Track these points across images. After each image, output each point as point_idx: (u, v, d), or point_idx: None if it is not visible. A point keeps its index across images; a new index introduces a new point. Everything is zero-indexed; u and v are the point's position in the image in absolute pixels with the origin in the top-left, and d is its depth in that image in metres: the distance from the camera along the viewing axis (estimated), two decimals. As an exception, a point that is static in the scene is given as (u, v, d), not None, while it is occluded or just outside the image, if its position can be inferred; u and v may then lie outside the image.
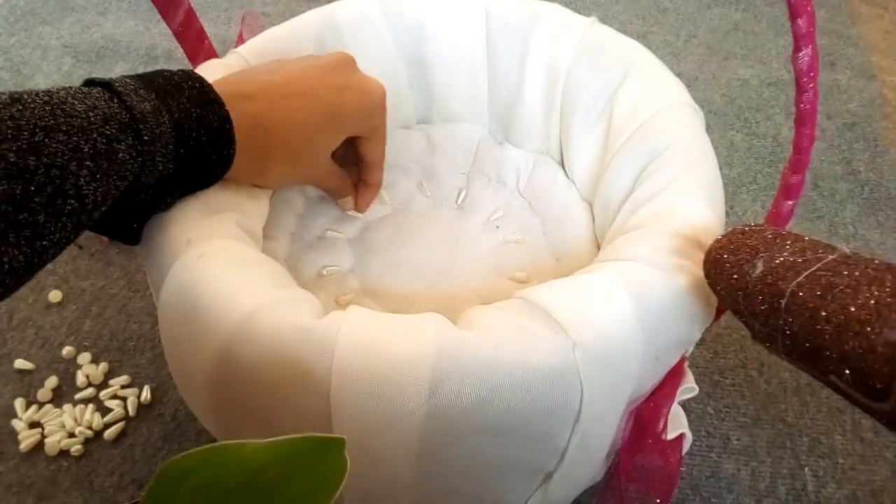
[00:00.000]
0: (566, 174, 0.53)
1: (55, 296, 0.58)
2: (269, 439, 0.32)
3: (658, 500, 0.39)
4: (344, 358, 0.29)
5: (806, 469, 0.49)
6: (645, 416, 0.37)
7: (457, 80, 0.53)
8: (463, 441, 0.31)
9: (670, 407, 0.37)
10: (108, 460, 0.49)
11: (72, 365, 0.54)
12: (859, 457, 0.50)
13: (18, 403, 0.51)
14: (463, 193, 0.52)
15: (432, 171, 0.54)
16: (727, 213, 0.63)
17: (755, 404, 0.53)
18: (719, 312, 0.35)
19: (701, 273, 0.33)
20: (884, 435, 0.51)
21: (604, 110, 0.47)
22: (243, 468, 0.32)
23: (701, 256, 0.33)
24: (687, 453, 0.50)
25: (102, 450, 0.50)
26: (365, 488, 0.33)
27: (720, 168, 0.66)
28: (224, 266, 0.33)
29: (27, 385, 0.53)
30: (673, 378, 0.36)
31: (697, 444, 0.51)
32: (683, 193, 0.38)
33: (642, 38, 0.73)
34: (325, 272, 0.46)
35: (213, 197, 0.37)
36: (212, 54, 0.45)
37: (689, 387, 0.38)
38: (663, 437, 0.37)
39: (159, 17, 0.44)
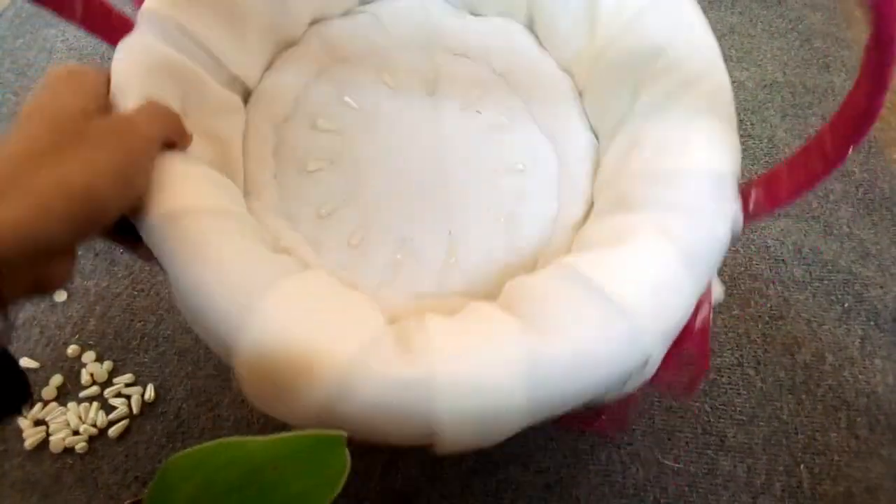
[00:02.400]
0: (537, 39, 0.49)
1: (60, 295, 0.58)
2: (271, 436, 0.32)
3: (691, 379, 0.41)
4: (447, 403, 0.31)
5: (801, 466, 0.50)
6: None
7: None
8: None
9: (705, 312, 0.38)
10: (112, 458, 0.50)
11: (76, 363, 0.54)
12: (854, 454, 0.51)
13: (23, 402, 0.52)
14: (430, 78, 0.48)
15: (390, 58, 0.49)
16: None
17: (751, 402, 0.53)
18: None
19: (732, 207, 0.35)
20: (879, 432, 0.52)
21: None
22: (246, 465, 0.32)
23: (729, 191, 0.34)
24: (684, 450, 0.51)
25: (106, 447, 0.50)
26: None
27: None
28: (302, 315, 0.32)
29: (32, 383, 0.53)
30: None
31: (694, 441, 0.51)
32: (707, 113, 0.37)
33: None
34: (322, 212, 0.44)
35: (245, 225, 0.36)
36: (126, 26, 0.39)
37: (717, 290, 0.39)
38: (690, 330, 0.37)
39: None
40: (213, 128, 0.41)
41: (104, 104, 0.34)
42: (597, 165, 0.46)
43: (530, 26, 0.50)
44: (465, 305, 0.36)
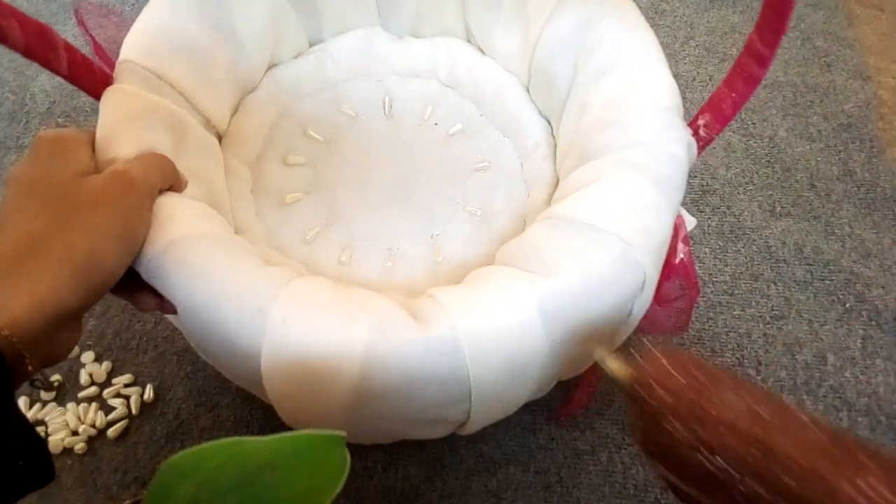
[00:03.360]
0: (478, 49, 0.53)
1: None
2: (271, 436, 0.32)
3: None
4: (474, 355, 0.32)
5: (802, 466, 0.50)
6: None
7: None
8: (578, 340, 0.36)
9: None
10: (111, 458, 0.50)
11: (75, 364, 0.54)
12: (855, 454, 0.51)
13: (22, 402, 0.52)
14: (386, 100, 0.52)
15: (344, 90, 0.52)
16: (724, 214, 0.64)
17: (752, 403, 0.53)
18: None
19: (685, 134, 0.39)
20: (880, 433, 0.52)
21: None
22: (245, 465, 0.32)
23: (676, 121, 0.39)
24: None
25: (105, 448, 0.50)
26: None
27: (717, 169, 0.67)
28: (312, 318, 0.33)
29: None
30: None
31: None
32: (642, 63, 0.42)
33: (640, 39, 0.73)
34: (308, 237, 0.46)
35: (234, 247, 0.37)
36: (107, 78, 0.40)
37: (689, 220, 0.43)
38: (675, 261, 0.41)
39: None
40: (199, 168, 0.42)
41: (93, 165, 0.35)
42: (554, 146, 0.50)
43: (469, 39, 0.54)
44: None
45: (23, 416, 0.28)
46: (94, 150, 0.36)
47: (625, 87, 0.42)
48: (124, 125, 0.37)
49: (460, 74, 0.53)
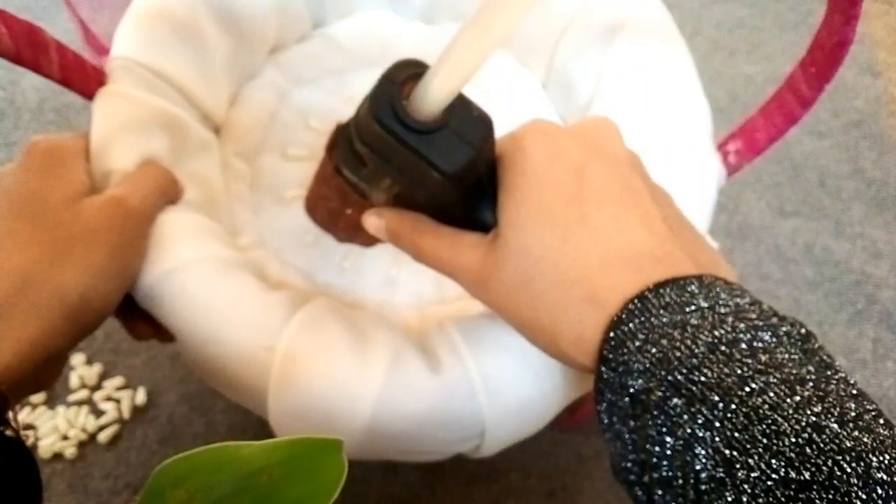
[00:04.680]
0: None
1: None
2: (266, 441, 0.31)
3: None
4: (489, 396, 0.32)
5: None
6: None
7: None
8: None
9: None
10: (103, 463, 0.49)
11: (66, 366, 0.53)
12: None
13: (11, 405, 0.51)
14: None
15: (350, 77, 0.50)
16: (732, 213, 0.63)
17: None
18: None
19: None
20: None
21: None
22: (239, 472, 0.31)
23: (707, 149, 0.38)
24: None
25: (97, 453, 0.49)
26: None
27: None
28: (322, 357, 0.32)
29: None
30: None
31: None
32: (674, 86, 0.40)
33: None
34: (308, 239, 0.45)
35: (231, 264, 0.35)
36: (100, 76, 0.38)
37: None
38: None
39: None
40: (195, 169, 0.41)
41: (88, 182, 0.33)
42: None
43: None
44: (470, 308, 0.36)
45: (16, 441, 0.27)
46: (88, 159, 0.34)
47: (653, 107, 0.40)
48: (119, 133, 0.35)
49: None
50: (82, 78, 0.37)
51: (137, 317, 0.34)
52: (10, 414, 0.28)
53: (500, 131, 0.49)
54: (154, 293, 0.32)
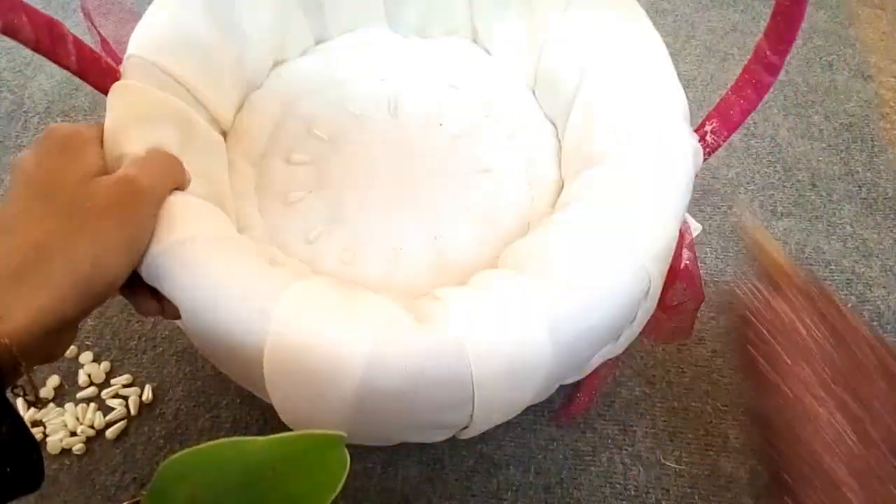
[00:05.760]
0: (484, 51, 0.54)
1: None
2: (270, 437, 0.32)
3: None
4: (478, 359, 0.32)
5: (803, 467, 0.50)
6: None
7: None
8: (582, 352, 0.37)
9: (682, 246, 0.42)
10: (110, 459, 0.49)
11: (74, 364, 0.54)
12: (857, 455, 0.50)
13: (20, 402, 0.51)
14: (391, 100, 0.52)
15: (350, 89, 0.52)
16: (725, 214, 0.64)
17: (753, 403, 0.53)
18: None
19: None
20: (881, 433, 0.51)
21: None
22: (244, 467, 0.32)
23: (684, 130, 0.39)
24: (686, 452, 0.50)
25: (104, 448, 0.50)
26: None
27: (718, 168, 0.67)
28: (315, 319, 0.33)
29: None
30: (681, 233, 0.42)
31: (696, 442, 0.51)
32: (650, 70, 0.42)
33: (641, 38, 0.73)
34: (311, 237, 0.46)
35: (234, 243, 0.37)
36: (114, 73, 0.41)
37: (694, 226, 0.44)
38: (679, 266, 0.42)
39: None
40: (204, 166, 0.42)
41: (102, 165, 0.34)
42: (558, 149, 0.50)
43: (475, 40, 0.55)
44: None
45: (18, 418, 0.28)
46: (102, 145, 0.36)
47: (632, 94, 0.42)
48: (132, 122, 0.37)
49: (466, 75, 0.53)
50: (97, 71, 0.39)
51: (144, 292, 0.35)
52: (26, 377, 0.29)
53: (493, 135, 0.51)
54: (159, 264, 0.33)
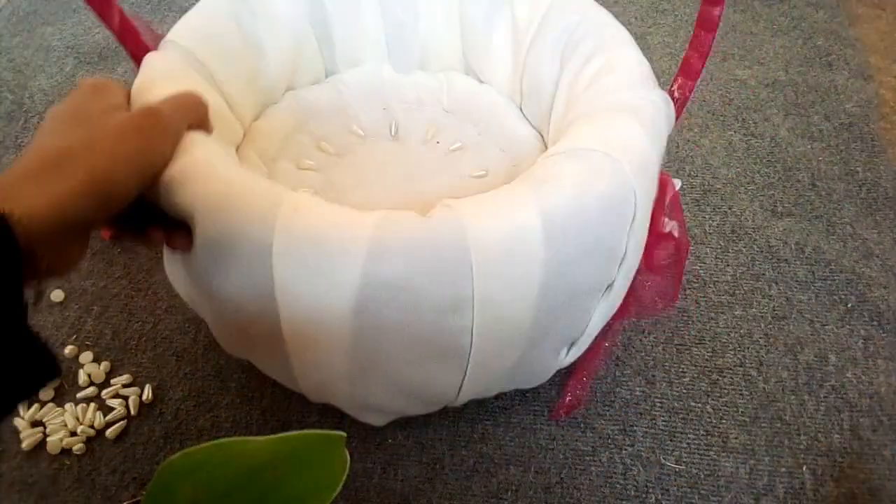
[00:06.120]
0: (476, 79, 0.60)
1: (57, 295, 0.58)
2: (270, 436, 0.32)
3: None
4: (479, 248, 0.34)
5: (804, 467, 0.50)
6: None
7: (356, 25, 0.59)
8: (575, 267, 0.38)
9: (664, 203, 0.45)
10: (110, 459, 0.49)
11: (74, 364, 0.54)
12: (857, 455, 0.50)
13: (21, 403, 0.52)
14: (392, 124, 0.57)
15: (355, 113, 0.58)
16: (725, 214, 0.64)
17: (753, 403, 0.53)
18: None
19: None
20: (882, 434, 0.51)
21: (503, 8, 0.55)
22: (244, 466, 0.32)
23: (653, 84, 0.43)
24: (685, 452, 0.50)
25: (104, 448, 0.50)
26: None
27: (718, 168, 0.67)
28: (323, 207, 0.35)
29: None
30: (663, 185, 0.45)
31: (696, 442, 0.51)
32: (618, 47, 0.46)
33: (640, 39, 0.73)
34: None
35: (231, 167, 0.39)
36: (149, 49, 0.45)
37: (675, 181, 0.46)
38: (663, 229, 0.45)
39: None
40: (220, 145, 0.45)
41: (126, 105, 0.38)
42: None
43: (468, 72, 0.62)
44: None
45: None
46: (128, 99, 0.39)
47: (605, 66, 0.46)
48: (160, 79, 0.40)
49: (460, 101, 0.59)
50: (135, 41, 0.44)
51: (152, 224, 0.38)
52: (42, 267, 0.31)
53: (486, 148, 0.52)
54: (176, 179, 0.35)
